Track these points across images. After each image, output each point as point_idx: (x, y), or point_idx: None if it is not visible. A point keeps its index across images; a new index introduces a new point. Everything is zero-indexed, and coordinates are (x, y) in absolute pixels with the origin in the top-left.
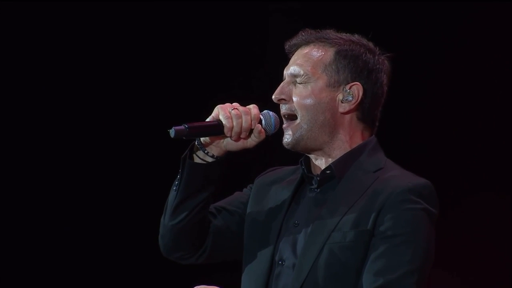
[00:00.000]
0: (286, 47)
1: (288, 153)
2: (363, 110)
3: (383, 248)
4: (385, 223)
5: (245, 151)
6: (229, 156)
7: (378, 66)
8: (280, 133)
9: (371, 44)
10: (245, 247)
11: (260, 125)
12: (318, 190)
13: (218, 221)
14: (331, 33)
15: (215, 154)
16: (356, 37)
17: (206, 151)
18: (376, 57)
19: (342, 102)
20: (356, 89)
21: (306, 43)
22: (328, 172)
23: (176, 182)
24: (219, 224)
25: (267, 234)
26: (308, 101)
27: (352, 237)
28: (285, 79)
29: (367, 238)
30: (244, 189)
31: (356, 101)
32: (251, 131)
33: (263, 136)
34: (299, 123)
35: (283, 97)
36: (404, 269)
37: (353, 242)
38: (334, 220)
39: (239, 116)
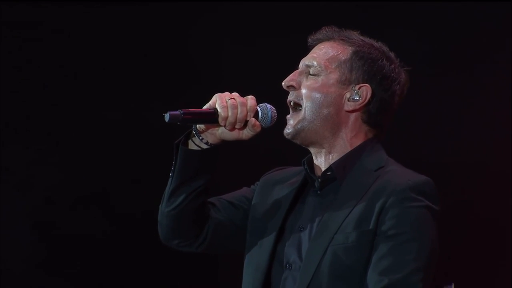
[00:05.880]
0: (309, 40)
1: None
2: (369, 113)
3: (387, 247)
4: (387, 222)
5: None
6: (225, 145)
7: (393, 74)
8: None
9: (391, 54)
10: (247, 242)
11: (254, 119)
12: (321, 192)
13: (221, 213)
14: (353, 34)
15: (210, 141)
16: (378, 44)
17: (201, 138)
18: (393, 66)
19: (348, 101)
20: (365, 91)
21: (328, 38)
22: (329, 173)
23: (172, 168)
24: (222, 216)
25: (266, 232)
26: (316, 92)
27: (354, 238)
28: (299, 68)
29: (370, 238)
30: (252, 186)
31: (363, 102)
32: (246, 122)
33: (257, 129)
34: (303, 114)
35: (292, 83)
36: (409, 268)
37: (356, 243)
38: (336, 222)
39: (235, 107)
